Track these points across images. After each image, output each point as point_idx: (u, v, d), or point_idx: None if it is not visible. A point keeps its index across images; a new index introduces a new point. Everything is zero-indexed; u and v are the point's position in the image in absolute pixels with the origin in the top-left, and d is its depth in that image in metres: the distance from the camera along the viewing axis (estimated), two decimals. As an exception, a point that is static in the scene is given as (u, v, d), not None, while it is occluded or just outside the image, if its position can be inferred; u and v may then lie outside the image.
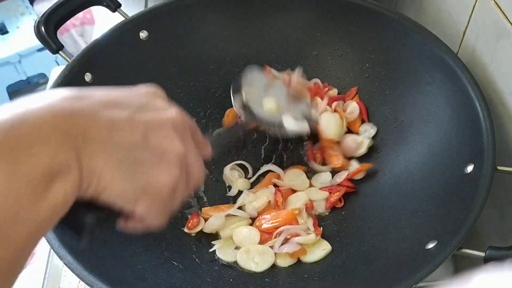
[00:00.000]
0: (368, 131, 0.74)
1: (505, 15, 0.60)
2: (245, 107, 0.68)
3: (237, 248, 0.67)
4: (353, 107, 0.76)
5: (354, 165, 0.73)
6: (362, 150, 0.73)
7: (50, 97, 0.34)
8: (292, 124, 0.69)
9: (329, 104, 0.76)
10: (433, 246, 0.56)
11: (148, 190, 0.37)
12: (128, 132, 0.37)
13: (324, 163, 0.75)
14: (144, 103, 0.40)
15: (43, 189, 0.32)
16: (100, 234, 0.45)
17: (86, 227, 0.37)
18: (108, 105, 0.37)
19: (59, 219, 0.34)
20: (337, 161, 0.73)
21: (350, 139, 0.74)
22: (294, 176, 0.73)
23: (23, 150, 0.31)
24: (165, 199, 0.39)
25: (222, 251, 0.67)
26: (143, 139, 0.37)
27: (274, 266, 0.66)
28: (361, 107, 0.76)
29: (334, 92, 0.78)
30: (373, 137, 0.74)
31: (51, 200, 0.32)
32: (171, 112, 0.41)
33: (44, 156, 0.32)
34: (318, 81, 0.78)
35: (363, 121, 0.76)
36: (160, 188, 0.38)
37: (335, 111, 0.75)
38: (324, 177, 0.73)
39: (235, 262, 0.66)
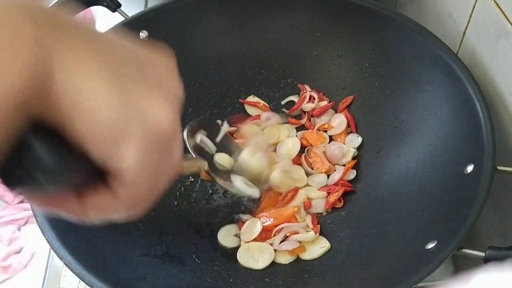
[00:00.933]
0: (353, 141, 0.75)
1: (505, 15, 0.60)
2: (199, 150, 0.64)
3: (236, 235, 0.68)
4: (340, 121, 0.76)
5: (339, 169, 0.73)
6: (347, 158, 0.73)
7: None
8: (243, 187, 0.65)
9: (318, 116, 0.77)
10: (433, 246, 0.56)
11: (141, 122, 0.27)
12: (119, 50, 0.28)
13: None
14: (140, 48, 0.31)
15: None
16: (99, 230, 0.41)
17: (38, 166, 0.25)
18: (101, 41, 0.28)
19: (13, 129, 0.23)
20: (322, 166, 0.73)
21: (336, 147, 0.74)
22: (294, 170, 0.73)
23: None
24: (159, 149, 0.28)
25: (224, 238, 0.68)
26: (139, 72, 0.28)
27: (273, 263, 0.66)
28: (349, 120, 0.76)
29: (324, 103, 0.78)
30: (359, 146, 0.75)
31: None
32: (165, 56, 0.33)
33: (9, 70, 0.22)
34: (307, 87, 0.79)
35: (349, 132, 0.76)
36: (156, 125, 0.28)
37: (318, 130, 0.76)
38: (320, 178, 0.73)
39: (235, 248, 0.67)
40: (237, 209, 0.72)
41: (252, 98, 0.80)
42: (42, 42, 0.24)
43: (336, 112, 0.78)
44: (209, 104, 0.80)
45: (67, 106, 0.24)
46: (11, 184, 0.26)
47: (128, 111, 0.26)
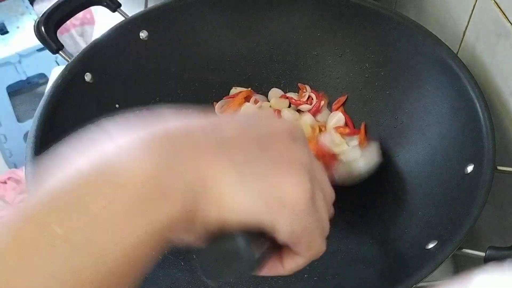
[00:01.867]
0: (352, 140, 0.75)
1: (505, 15, 0.60)
2: None
3: None
4: (338, 118, 0.76)
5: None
6: (338, 149, 0.73)
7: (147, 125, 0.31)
8: None
9: (314, 114, 0.77)
10: (433, 246, 0.56)
11: (282, 203, 0.31)
12: (244, 143, 0.31)
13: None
14: (253, 119, 0.35)
15: (145, 208, 0.27)
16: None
17: (245, 261, 0.31)
18: (214, 126, 0.33)
19: (170, 245, 0.30)
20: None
21: (325, 137, 0.74)
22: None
23: (126, 169, 0.28)
24: (306, 216, 0.32)
25: None
26: (259, 151, 0.31)
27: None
28: (346, 118, 0.76)
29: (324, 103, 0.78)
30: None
31: (154, 223, 0.28)
32: (285, 121, 0.36)
33: (151, 174, 0.28)
34: (308, 88, 0.79)
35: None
36: (295, 199, 0.31)
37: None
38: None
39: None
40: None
41: (234, 90, 0.80)
42: (189, 178, 0.29)
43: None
44: (209, 104, 0.80)
45: (225, 213, 0.30)
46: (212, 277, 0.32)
47: (266, 199, 0.30)
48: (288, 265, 0.36)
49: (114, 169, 0.28)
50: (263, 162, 0.31)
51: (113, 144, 0.29)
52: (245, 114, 0.37)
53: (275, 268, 0.36)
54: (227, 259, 0.31)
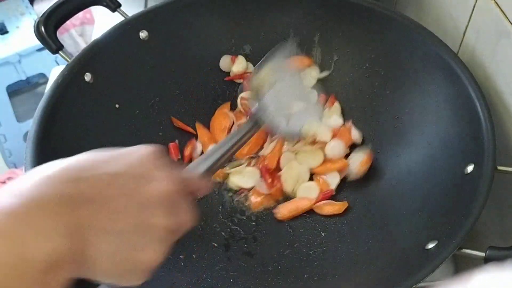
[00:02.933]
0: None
1: (505, 15, 0.60)
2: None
3: None
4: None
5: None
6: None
7: (48, 181, 0.35)
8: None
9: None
10: (433, 246, 0.56)
11: (137, 268, 0.39)
12: (125, 217, 0.38)
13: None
14: (143, 176, 0.40)
15: (45, 278, 0.32)
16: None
17: None
18: (110, 183, 0.38)
19: None
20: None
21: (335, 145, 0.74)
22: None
23: (26, 246, 0.32)
24: (150, 271, 0.41)
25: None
26: (135, 223, 0.38)
27: (275, 262, 0.66)
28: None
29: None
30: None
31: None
32: (166, 185, 0.41)
33: (47, 250, 0.32)
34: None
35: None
36: (148, 265, 0.40)
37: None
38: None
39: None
40: (234, 214, 0.72)
41: (237, 66, 0.79)
42: (82, 244, 0.35)
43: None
44: (209, 104, 0.80)
45: (90, 274, 0.37)
46: None
47: (124, 268, 0.39)
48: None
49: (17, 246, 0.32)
50: (134, 237, 0.38)
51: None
52: (133, 159, 0.42)
53: None
54: None
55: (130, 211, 0.38)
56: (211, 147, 0.72)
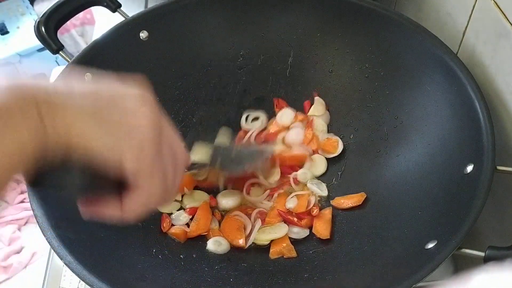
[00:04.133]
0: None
1: (505, 15, 0.60)
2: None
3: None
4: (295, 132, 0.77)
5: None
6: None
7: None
8: None
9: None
10: (433, 246, 0.56)
11: (130, 136, 0.36)
12: (93, 98, 0.36)
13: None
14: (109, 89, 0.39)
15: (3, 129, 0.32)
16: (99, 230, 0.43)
17: (70, 186, 0.36)
18: (68, 84, 0.37)
19: (24, 167, 0.34)
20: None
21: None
22: None
23: None
24: (151, 154, 0.37)
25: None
26: (110, 103, 0.37)
27: (276, 262, 0.66)
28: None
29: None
30: (359, 146, 0.76)
31: (7, 144, 0.32)
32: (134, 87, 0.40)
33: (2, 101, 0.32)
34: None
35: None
36: (143, 130, 0.37)
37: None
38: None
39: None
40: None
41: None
42: (43, 117, 0.34)
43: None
44: (209, 104, 0.80)
45: (80, 149, 0.35)
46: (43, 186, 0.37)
47: (115, 132, 0.36)
48: (126, 205, 0.39)
49: None
50: (112, 107, 0.36)
51: None
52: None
53: (113, 207, 0.39)
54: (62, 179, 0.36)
55: (99, 96, 0.37)
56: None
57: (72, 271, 0.54)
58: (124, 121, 0.36)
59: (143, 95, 0.39)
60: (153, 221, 0.68)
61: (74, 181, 0.36)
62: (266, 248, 0.68)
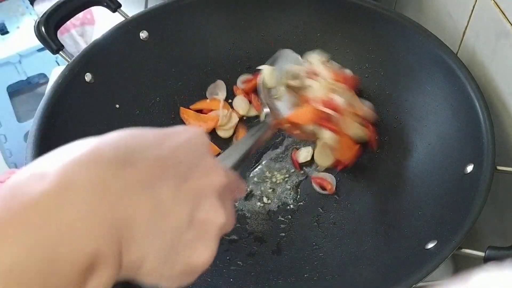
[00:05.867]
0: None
1: (505, 15, 0.60)
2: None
3: None
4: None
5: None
6: None
7: (79, 163, 0.30)
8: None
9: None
10: (433, 246, 0.56)
11: (186, 270, 0.34)
12: (175, 213, 0.33)
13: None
14: (193, 164, 0.35)
15: (80, 283, 0.28)
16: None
17: None
18: (155, 174, 0.32)
19: None
20: None
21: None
22: None
23: (64, 241, 0.27)
24: (199, 272, 0.36)
25: None
26: (189, 216, 0.34)
27: (276, 261, 0.66)
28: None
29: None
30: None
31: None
32: (218, 175, 0.36)
33: (84, 251, 0.28)
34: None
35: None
36: (199, 266, 0.35)
37: None
38: None
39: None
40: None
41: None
42: (119, 245, 0.30)
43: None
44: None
45: (136, 276, 0.32)
46: None
47: (175, 269, 0.33)
48: None
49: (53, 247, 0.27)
50: (188, 228, 0.33)
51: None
52: (186, 148, 0.36)
53: None
54: None
55: (182, 203, 0.33)
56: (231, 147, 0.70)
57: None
58: (187, 254, 0.34)
59: (220, 189, 0.36)
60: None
61: None
62: (266, 248, 0.68)
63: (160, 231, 0.32)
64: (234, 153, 0.50)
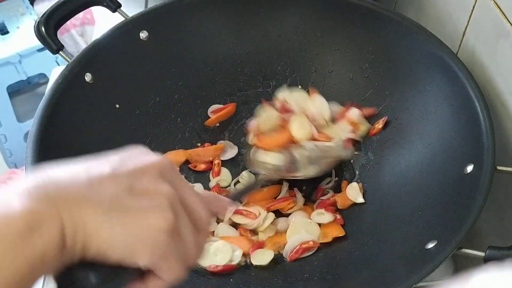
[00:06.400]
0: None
1: (505, 15, 0.60)
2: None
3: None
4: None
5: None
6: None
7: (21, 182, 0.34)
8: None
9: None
10: (433, 246, 0.56)
11: (142, 237, 0.36)
12: (111, 183, 0.36)
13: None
14: (126, 156, 0.38)
15: (17, 243, 0.31)
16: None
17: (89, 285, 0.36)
18: (87, 168, 0.36)
19: (44, 275, 0.33)
20: None
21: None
22: None
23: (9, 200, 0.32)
24: (165, 246, 0.36)
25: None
26: (128, 187, 0.36)
27: (275, 262, 0.66)
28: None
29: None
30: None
31: (29, 255, 0.32)
32: (155, 157, 0.39)
33: (22, 210, 0.32)
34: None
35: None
36: (154, 233, 0.36)
37: None
38: None
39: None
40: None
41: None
42: (57, 208, 0.33)
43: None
44: (209, 104, 0.80)
45: (91, 247, 0.34)
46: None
47: (127, 234, 0.35)
48: (151, 284, 0.39)
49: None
50: (129, 197, 0.36)
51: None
52: (120, 152, 0.39)
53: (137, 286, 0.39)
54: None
55: (117, 177, 0.36)
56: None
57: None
58: (138, 217, 0.36)
59: (160, 169, 0.38)
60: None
61: (93, 276, 0.36)
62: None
63: (97, 197, 0.35)
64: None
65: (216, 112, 0.79)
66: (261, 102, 0.76)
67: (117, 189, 0.36)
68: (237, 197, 0.64)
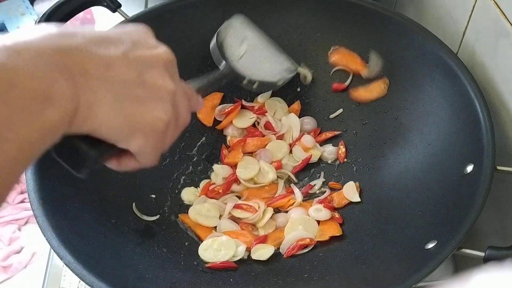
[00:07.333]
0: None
1: (505, 15, 0.60)
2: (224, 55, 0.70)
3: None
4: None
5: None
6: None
7: (42, 32, 0.35)
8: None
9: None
10: (433, 246, 0.56)
11: (143, 125, 0.39)
12: (124, 69, 0.38)
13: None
14: (136, 40, 0.41)
15: (36, 109, 0.32)
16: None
17: (86, 158, 0.39)
18: (102, 42, 0.37)
19: (50, 145, 0.34)
20: None
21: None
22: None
23: (20, 75, 0.32)
24: (159, 136, 0.40)
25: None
26: (138, 76, 0.38)
27: (275, 262, 0.66)
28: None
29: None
30: (359, 145, 0.76)
31: (43, 123, 0.32)
32: (162, 49, 0.43)
33: (41, 82, 0.32)
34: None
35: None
36: (155, 123, 0.39)
37: None
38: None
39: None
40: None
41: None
42: (75, 86, 0.34)
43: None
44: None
45: (95, 126, 0.36)
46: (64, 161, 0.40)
47: (131, 121, 0.38)
48: (123, 166, 0.43)
49: (11, 72, 0.32)
50: (138, 86, 0.38)
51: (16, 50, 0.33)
52: (127, 29, 0.42)
53: (111, 163, 0.43)
54: (74, 154, 0.39)
55: (129, 63, 0.38)
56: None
57: (72, 271, 0.54)
58: (143, 107, 0.38)
59: (166, 64, 0.42)
60: (153, 220, 0.69)
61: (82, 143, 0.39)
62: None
63: (112, 82, 0.36)
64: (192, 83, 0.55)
65: (225, 114, 0.79)
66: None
67: (128, 76, 0.38)
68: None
